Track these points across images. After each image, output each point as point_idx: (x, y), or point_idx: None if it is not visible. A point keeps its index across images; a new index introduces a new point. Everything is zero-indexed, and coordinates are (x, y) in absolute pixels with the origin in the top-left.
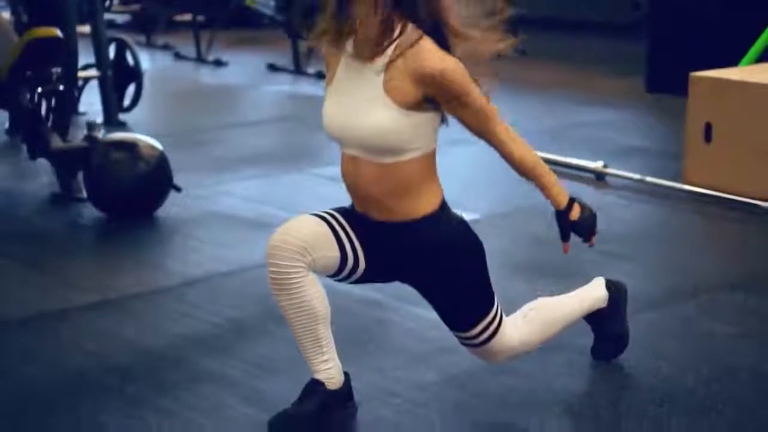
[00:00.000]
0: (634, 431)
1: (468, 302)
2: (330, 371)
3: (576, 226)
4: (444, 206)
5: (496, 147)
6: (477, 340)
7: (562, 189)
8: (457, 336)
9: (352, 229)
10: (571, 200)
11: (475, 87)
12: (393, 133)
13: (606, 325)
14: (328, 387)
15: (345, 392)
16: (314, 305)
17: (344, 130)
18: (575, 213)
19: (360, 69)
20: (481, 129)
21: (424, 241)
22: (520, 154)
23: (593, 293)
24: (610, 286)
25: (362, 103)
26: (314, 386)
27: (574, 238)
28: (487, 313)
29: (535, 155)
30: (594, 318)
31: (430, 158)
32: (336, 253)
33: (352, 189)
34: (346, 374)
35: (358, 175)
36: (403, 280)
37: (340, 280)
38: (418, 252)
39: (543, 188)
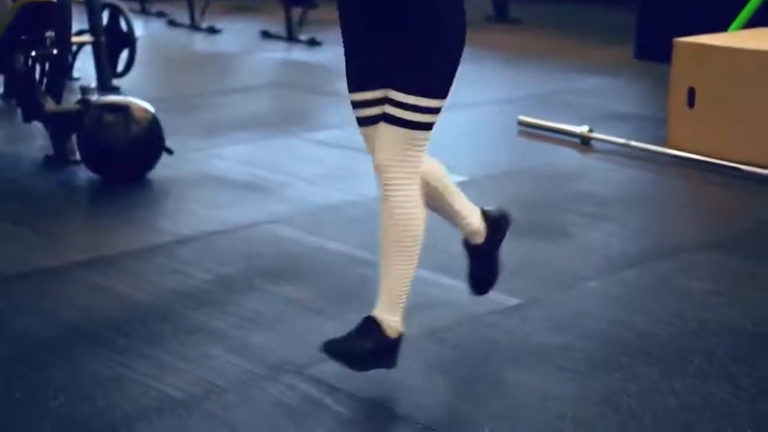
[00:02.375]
0: (607, 380)
1: (435, 67)
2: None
3: None
4: None
5: None
6: (412, 116)
7: None
8: (397, 103)
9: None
10: None
11: None
12: None
13: (481, 260)
14: (386, 333)
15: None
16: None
17: None
18: None
19: None
20: None
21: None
22: None
23: (473, 217)
24: (493, 219)
25: None
26: (370, 325)
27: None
28: (440, 95)
29: None
30: (471, 249)
31: None
32: None
33: None
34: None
35: None
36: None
37: None
38: (420, 9)
39: None
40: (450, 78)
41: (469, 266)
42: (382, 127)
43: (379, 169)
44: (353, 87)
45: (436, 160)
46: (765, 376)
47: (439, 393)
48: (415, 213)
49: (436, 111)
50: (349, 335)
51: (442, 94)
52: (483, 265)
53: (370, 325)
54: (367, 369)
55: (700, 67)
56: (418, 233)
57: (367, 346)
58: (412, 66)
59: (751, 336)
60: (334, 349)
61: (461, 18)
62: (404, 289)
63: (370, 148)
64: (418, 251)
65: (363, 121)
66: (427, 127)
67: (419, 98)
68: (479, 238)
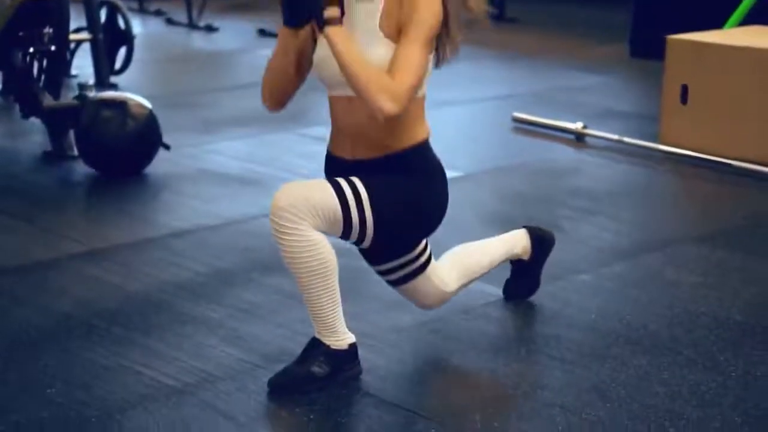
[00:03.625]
0: (596, 369)
1: (403, 229)
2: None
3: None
4: (428, 142)
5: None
6: (397, 275)
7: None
8: (382, 272)
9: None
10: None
11: (434, 22)
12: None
13: (524, 271)
14: (333, 348)
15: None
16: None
17: (338, 71)
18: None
19: (353, 6)
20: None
21: (412, 165)
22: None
23: (516, 242)
24: (536, 236)
25: (358, 41)
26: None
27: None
28: (411, 251)
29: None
30: (515, 264)
31: (421, 100)
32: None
33: (344, 130)
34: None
35: (353, 115)
36: None
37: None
38: (401, 172)
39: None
40: (395, 224)
41: (510, 277)
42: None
43: (274, 209)
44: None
45: (457, 250)
46: (752, 366)
47: (429, 382)
48: (310, 254)
49: (363, 222)
50: (294, 363)
51: (380, 222)
52: (524, 280)
53: (313, 344)
54: (322, 388)
55: (693, 64)
56: (321, 268)
57: (314, 369)
58: (380, 181)
59: (740, 327)
60: (281, 382)
61: (438, 209)
62: (333, 313)
63: None
64: (330, 281)
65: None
66: (347, 221)
67: (366, 195)
68: (525, 256)
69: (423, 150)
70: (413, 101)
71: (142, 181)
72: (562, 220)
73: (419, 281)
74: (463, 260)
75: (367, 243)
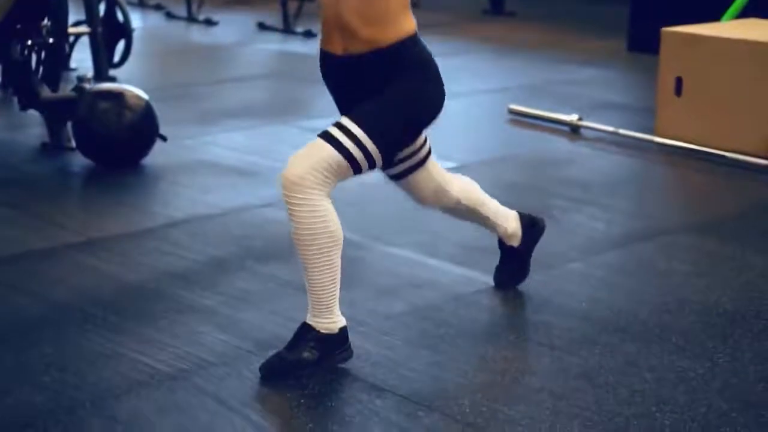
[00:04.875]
0: (585, 355)
1: (389, 116)
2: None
3: None
4: (416, 35)
5: None
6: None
7: None
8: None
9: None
10: None
11: None
12: None
13: (513, 257)
14: (322, 333)
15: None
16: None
17: None
18: None
19: None
20: None
21: (401, 61)
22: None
23: (508, 215)
24: (527, 221)
25: None
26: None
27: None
28: (379, 142)
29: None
30: (505, 250)
31: None
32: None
33: (330, 22)
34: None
35: (340, 5)
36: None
37: None
38: (391, 71)
39: None
40: (398, 137)
41: (500, 263)
42: (312, 141)
43: (285, 183)
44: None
45: (466, 178)
46: (740, 353)
47: (421, 367)
48: (320, 226)
49: (367, 154)
50: (285, 349)
51: (382, 144)
52: (513, 266)
53: (304, 330)
54: (312, 374)
55: (688, 56)
56: (329, 241)
57: (305, 354)
58: (370, 104)
59: (729, 315)
60: (272, 367)
61: (435, 99)
62: (332, 292)
63: None
64: (334, 256)
65: None
66: (352, 161)
67: (360, 129)
68: (515, 241)
69: (411, 43)
70: None
71: (139, 173)
72: (555, 209)
73: (420, 175)
74: (466, 184)
75: (380, 165)
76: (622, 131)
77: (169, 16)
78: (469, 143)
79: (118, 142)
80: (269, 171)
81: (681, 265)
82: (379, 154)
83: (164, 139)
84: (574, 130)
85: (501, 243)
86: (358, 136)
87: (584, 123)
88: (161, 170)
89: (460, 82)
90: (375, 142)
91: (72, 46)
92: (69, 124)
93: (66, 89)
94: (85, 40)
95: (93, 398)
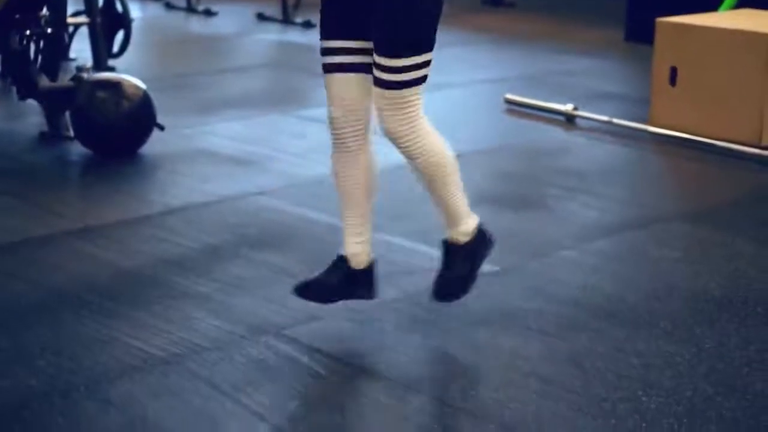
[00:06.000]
0: (574, 341)
1: (406, 25)
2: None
3: None
4: None
5: None
6: (397, 77)
7: None
8: (382, 68)
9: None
10: None
11: None
12: None
13: (457, 256)
14: (351, 265)
15: (368, 275)
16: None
17: None
18: None
19: None
20: None
21: None
22: None
23: (467, 211)
24: (482, 230)
25: None
26: (339, 262)
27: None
28: (417, 52)
29: None
30: (450, 250)
31: None
32: None
33: None
34: (373, 261)
35: None
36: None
37: None
38: None
39: None
40: (425, 32)
41: (443, 267)
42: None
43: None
44: (326, 35)
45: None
46: (726, 339)
47: (413, 353)
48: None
49: (419, 66)
50: (320, 273)
51: (419, 50)
52: (456, 268)
53: (339, 261)
54: (339, 299)
55: (682, 46)
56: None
57: (335, 281)
58: (384, 27)
59: (717, 301)
60: (307, 288)
61: None
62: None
63: (332, 93)
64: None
65: (329, 68)
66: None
67: (395, 60)
68: (466, 237)
69: None
70: None
71: (136, 161)
72: (549, 198)
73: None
74: (441, 143)
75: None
76: (616, 121)
77: (169, 6)
78: (465, 133)
79: (116, 131)
80: (267, 160)
81: (672, 252)
82: (427, 54)
83: (162, 128)
84: (570, 119)
85: (446, 243)
86: (406, 64)
87: (579, 113)
88: (159, 159)
89: (457, 73)
90: (415, 55)
91: (71, 36)
92: (67, 114)
93: (65, 79)
94: (84, 31)
95: (87, 382)
